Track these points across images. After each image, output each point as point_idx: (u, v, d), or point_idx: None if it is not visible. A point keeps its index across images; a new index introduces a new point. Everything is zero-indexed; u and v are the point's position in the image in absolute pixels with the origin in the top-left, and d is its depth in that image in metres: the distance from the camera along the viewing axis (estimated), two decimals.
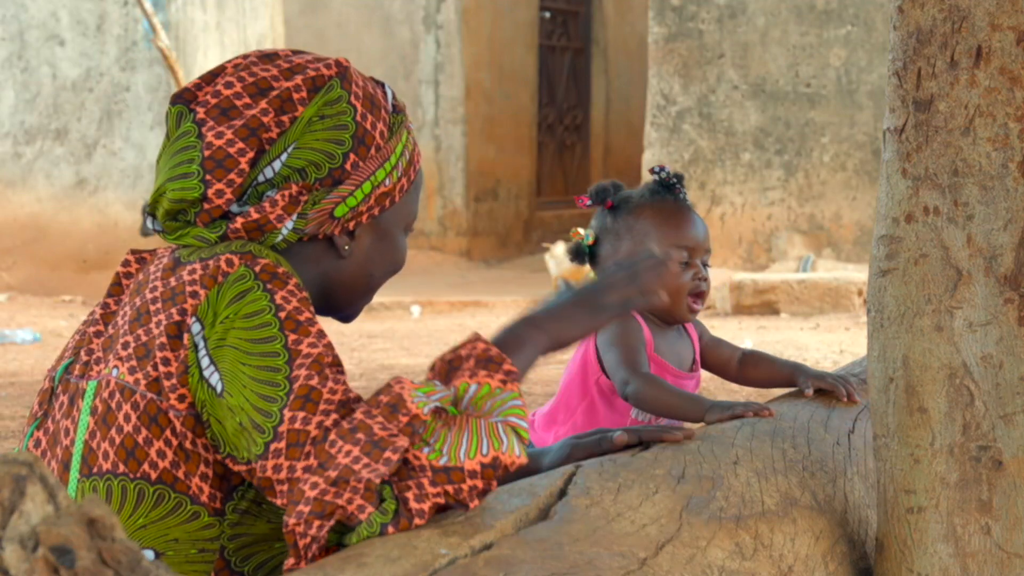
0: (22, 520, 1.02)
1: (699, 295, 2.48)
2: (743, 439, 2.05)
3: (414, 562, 1.39)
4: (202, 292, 1.67)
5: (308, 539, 1.53)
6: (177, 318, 1.67)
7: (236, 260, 1.68)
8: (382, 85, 1.87)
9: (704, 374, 2.63)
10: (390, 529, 1.53)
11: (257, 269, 1.67)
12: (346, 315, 1.92)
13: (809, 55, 10.77)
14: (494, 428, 1.63)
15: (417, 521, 1.54)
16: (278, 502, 1.60)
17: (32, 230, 11.11)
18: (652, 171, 2.56)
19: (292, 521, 1.54)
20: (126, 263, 1.84)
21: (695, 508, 1.73)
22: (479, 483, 1.59)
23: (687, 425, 2.44)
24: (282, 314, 1.64)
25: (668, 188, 2.51)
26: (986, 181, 1.79)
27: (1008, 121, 1.78)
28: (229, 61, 1.82)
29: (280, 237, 1.77)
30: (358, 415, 1.60)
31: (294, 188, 1.76)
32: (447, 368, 1.72)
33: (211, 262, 1.69)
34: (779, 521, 1.82)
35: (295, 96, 1.77)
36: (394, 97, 1.87)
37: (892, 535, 1.85)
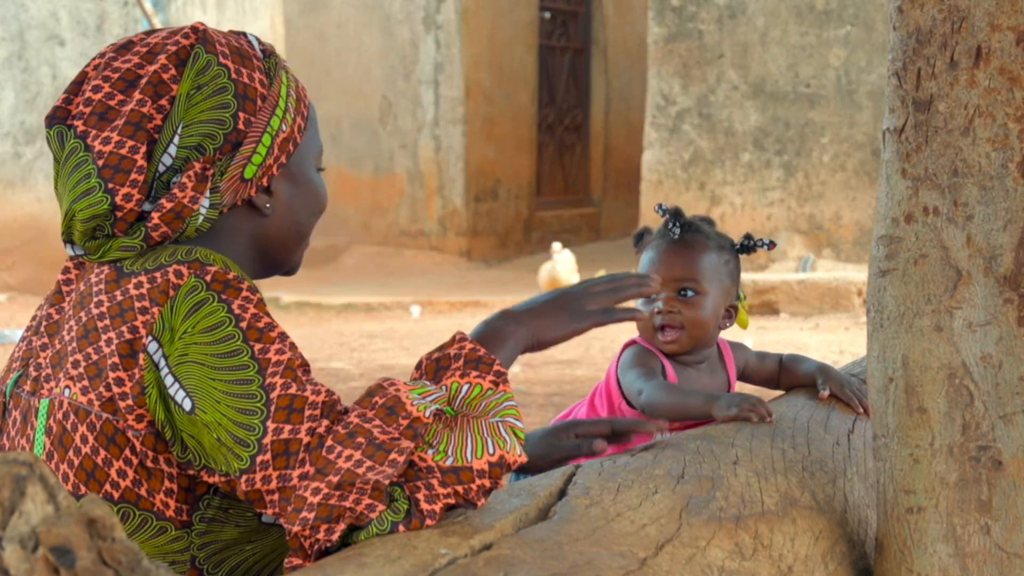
0: (22, 520, 1.02)
1: (661, 328, 2.50)
2: (743, 439, 2.05)
3: (414, 562, 1.39)
4: (154, 309, 1.62)
5: (315, 540, 1.52)
6: (129, 336, 1.63)
7: (185, 271, 1.64)
8: (244, 34, 1.82)
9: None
10: (401, 528, 1.52)
11: (208, 279, 1.63)
12: (288, 268, 1.89)
13: (809, 55, 10.77)
14: (495, 428, 1.62)
15: (428, 522, 1.53)
16: (268, 512, 1.57)
17: (32, 230, 11.12)
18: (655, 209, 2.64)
19: (297, 528, 1.52)
20: (66, 270, 1.79)
21: (695, 508, 1.73)
22: (487, 482, 1.58)
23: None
24: (243, 324, 1.61)
25: (665, 225, 2.56)
26: (986, 181, 1.79)
27: (1008, 121, 1.78)
28: (88, 64, 1.77)
29: (201, 218, 1.73)
30: (353, 419, 1.58)
31: (197, 166, 1.72)
32: (435, 367, 1.71)
33: (158, 275, 1.64)
34: (779, 521, 1.82)
35: (164, 76, 1.72)
36: (260, 42, 1.83)
37: (892, 535, 1.85)
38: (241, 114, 1.75)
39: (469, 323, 9.93)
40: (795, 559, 1.79)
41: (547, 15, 14.83)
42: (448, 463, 1.57)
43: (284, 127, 1.78)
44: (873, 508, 2.02)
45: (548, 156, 15.10)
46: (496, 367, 1.69)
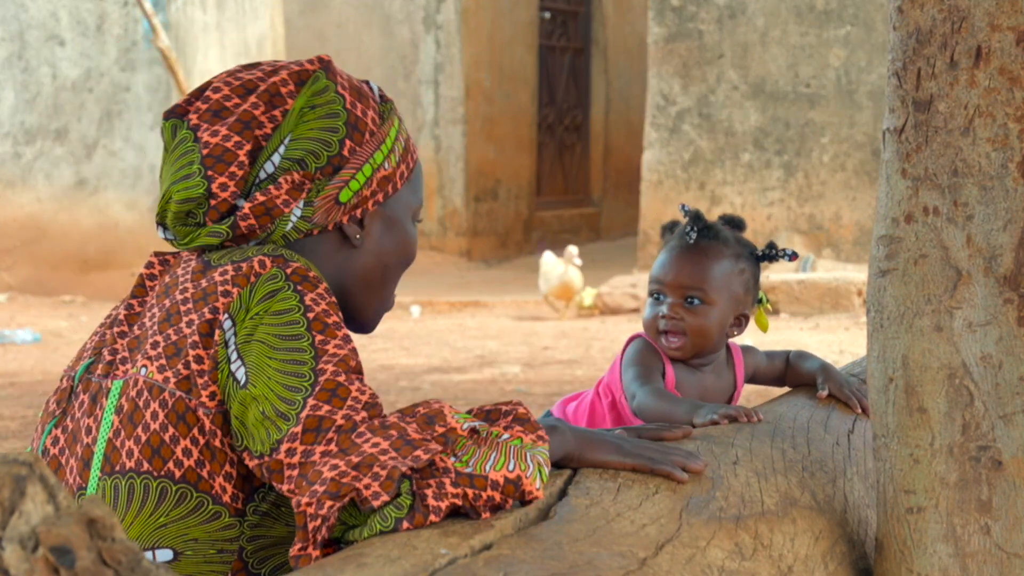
0: (22, 520, 1.02)
1: (664, 332, 2.50)
2: (743, 439, 2.05)
3: (414, 562, 1.39)
4: (234, 291, 1.69)
5: (319, 520, 1.54)
6: (209, 316, 1.70)
7: (268, 262, 1.71)
8: (367, 82, 1.91)
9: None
10: (404, 524, 1.53)
11: (289, 271, 1.70)
12: (363, 321, 1.92)
13: (809, 55, 10.77)
14: (522, 453, 1.65)
15: (432, 518, 1.54)
16: (283, 488, 1.60)
17: (32, 230, 11.12)
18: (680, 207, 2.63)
19: (305, 501, 1.54)
20: (150, 265, 1.85)
21: (695, 508, 1.73)
22: (497, 496, 1.60)
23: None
24: (310, 315, 1.67)
25: (684, 227, 2.53)
26: (986, 181, 1.79)
27: (1008, 121, 1.78)
28: (215, 77, 1.85)
29: (290, 225, 1.79)
30: (392, 418, 1.63)
31: (296, 176, 1.79)
32: (484, 416, 1.74)
33: (244, 264, 1.71)
34: (779, 521, 1.82)
35: (283, 90, 1.80)
36: (380, 91, 1.91)
37: (892, 535, 1.85)
38: (348, 141, 1.81)
39: (469, 323, 9.93)
40: (795, 559, 1.79)
41: (547, 15, 14.83)
42: (467, 471, 1.59)
43: (387, 165, 1.84)
44: (873, 508, 2.02)
45: (548, 156, 15.10)
46: (540, 432, 1.71)
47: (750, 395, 5.31)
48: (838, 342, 8.24)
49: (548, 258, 10.28)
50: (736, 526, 1.74)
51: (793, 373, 2.63)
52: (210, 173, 1.77)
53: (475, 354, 8.25)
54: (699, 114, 11.02)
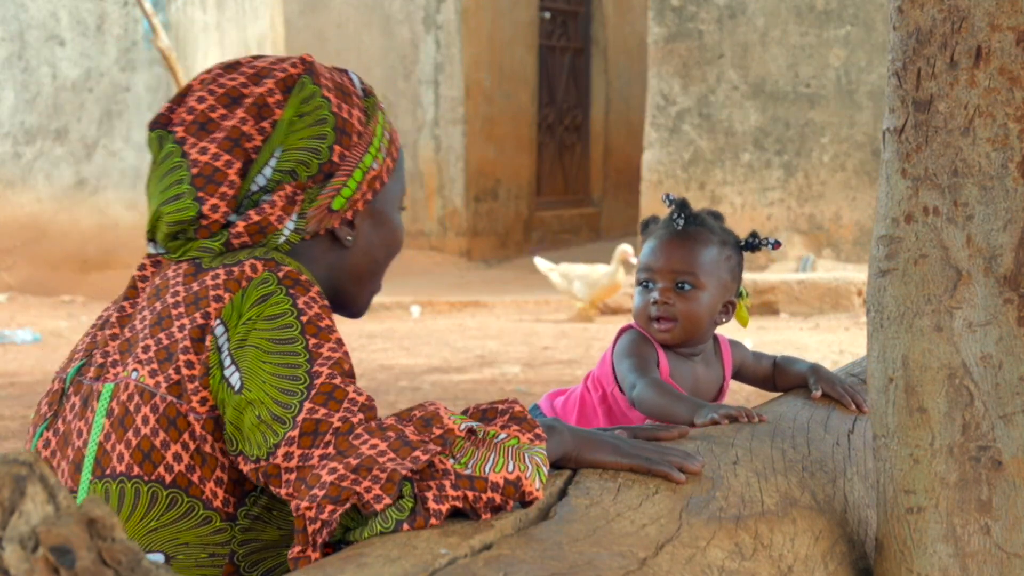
0: (22, 520, 1.02)
1: (655, 319, 2.50)
2: (743, 439, 2.06)
3: (414, 562, 1.40)
4: (226, 296, 1.69)
5: (318, 524, 1.53)
6: (201, 322, 1.69)
7: (260, 266, 1.71)
8: (347, 72, 1.89)
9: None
10: (405, 527, 1.53)
11: (280, 275, 1.69)
12: (355, 310, 1.93)
13: (809, 55, 10.77)
14: (520, 454, 1.65)
15: (433, 521, 1.54)
16: (281, 492, 1.60)
17: (32, 230, 11.13)
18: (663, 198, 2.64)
19: (304, 505, 1.54)
20: (142, 267, 1.84)
21: (695, 508, 1.73)
22: (497, 497, 1.60)
23: None
24: (304, 318, 1.67)
25: (670, 215, 2.56)
26: (986, 181, 1.79)
27: (1008, 121, 1.78)
28: (194, 79, 1.84)
29: (283, 238, 1.79)
30: (388, 421, 1.63)
31: (289, 189, 1.78)
32: (480, 415, 1.74)
33: (235, 268, 1.71)
34: (779, 521, 1.82)
35: (270, 100, 1.79)
36: (361, 81, 1.90)
37: (892, 535, 1.85)
38: (337, 147, 1.81)
39: (469, 323, 9.93)
40: (795, 559, 1.79)
41: (547, 15, 14.83)
42: (466, 472, 1.59)
43: (375, 165, 1.84)
44: (873, 508, 2.02)
45: (548, 156, 15.10)
46: (537, 430, 1.71)
47: (750, 395, 5.31)
48: (838, 342, 8.24)
49: (627, 253, 9.59)
50: (736, 526, 1.74)
51: (783, 376, 2.64)
52: (201, 195, 1.76)
53: (475, 354, 8.25)
54: (699, 114, 11.02)
